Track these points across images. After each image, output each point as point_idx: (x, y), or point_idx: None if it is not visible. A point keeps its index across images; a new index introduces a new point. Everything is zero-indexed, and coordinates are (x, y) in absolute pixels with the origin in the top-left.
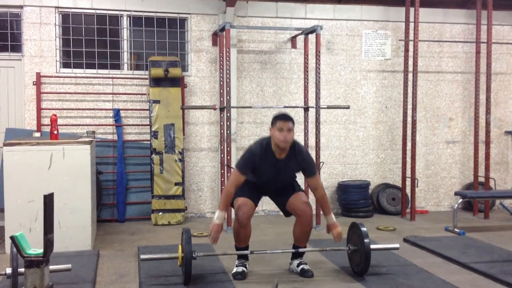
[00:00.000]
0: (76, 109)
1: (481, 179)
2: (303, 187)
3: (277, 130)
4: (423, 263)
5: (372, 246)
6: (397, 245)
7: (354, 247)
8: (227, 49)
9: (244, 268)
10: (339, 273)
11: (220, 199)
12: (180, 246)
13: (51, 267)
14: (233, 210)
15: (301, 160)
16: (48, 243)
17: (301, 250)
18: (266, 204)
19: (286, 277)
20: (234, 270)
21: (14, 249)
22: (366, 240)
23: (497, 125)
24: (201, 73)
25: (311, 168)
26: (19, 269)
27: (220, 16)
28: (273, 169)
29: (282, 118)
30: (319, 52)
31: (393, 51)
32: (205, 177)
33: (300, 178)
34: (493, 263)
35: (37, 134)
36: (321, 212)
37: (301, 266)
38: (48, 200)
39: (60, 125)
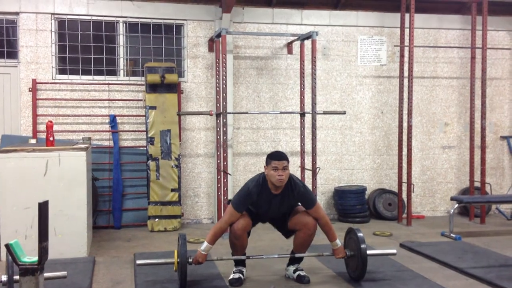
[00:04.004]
0: (72, 116)
1: (477, 184)
2: None
3: (272, 169)
4: (420, 268)
5: (368, 252)
6: (394, 251)
7: (351, 253)
8: (224, 55)
9: (241, 275)
10: (335, 279)
11: (210, 231)
12: (176, 252)
13: (47, 274)
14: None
15: (297, 194)
16: (43, 251)
17: (297, 255)
18: None
19: (282, 283)
20: (231, 276)
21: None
22: (362, 246)
23: (492, 130)
24: (198, 79)
25: (309, 201)
26: (14, 277)
27: (216, 22)
28: (270, 204)
29: (277, 158)
30: (315, 58)
31: (389, 57)
32: (201, 183)
33: None
34: (490, 268)
35: (33, 141)
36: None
37: (297, 272)
38: (43, 208)
39: (56, 132)
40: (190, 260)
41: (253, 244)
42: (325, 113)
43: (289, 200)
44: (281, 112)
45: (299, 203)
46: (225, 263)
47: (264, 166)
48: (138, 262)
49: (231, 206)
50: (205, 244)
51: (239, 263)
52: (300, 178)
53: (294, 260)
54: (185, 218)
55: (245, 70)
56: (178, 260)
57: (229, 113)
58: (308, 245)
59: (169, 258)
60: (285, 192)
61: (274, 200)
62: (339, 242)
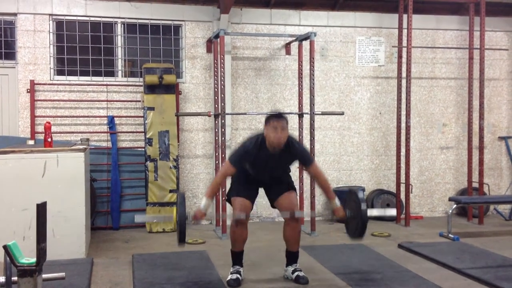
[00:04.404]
0: (70, 117)
1: (475, 185)
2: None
3: (271, 129)
4: (418, 269)
5: (369, 213)
6: (393, 212)
7: (351, 213)
8: (222, 56)
9: (238, 276)
10: (334, 279)
11: (208, 186)
12: (174, 209)
13: (45, 275)
14: (227, 218)
15: (294, 153)
16: (41, 252)
17: (297, 214)
18: (261, 210)
19: (281, 284)
20: (229, 277)
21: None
22: (363, 207)
23: (490, 130)
24: (196, 80)
25: (306, 159)
26: (12, 278)
27: (215, 23)
28: (267, 163)
29: (276, 118)
30: (313, 58)
31: (387, 58)
32: (199, 184)
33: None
34: (488, 268)
35: (31, 142)
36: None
37: (296, 273)
38: (41, 209)
39: (54, 133)
40: (189, 216)
41: (251, 245)
42: (323, 113)
43: (286, 158)
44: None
45: (298, 162)
46: (224, 265)
47: (264, 127)
48: (137, 219)
49: (228, 160)
50: (204, 199)
51: (237, 261)
52: (299, 176)
53: (291, 259)
54: None
55: (243, 71)
56: (177, 218)
57: (228, 114)
58: (297, 236)
59: (168, 259)
60: (283, 151)
61: (271, 159)
62: (338, 202)
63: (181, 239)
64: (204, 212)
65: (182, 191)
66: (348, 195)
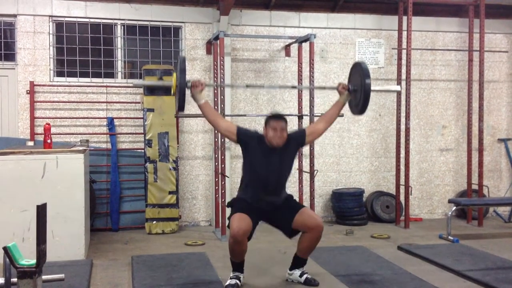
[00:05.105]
0: (69, 118)
1: (475, 187)
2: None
3: (271, 129)
4: (417, 271)
5: (372, 87)
6: (398, 88)
7: (354, 87)
8: (221, 58)
9: (237, 281)
10: (333, 281)
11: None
12: (174, 75)
13: (44, 277)
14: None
15: (294, 142)
16: (41, 253)
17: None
18: None
19: (287, 287)
20: (227, 282)
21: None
22: (367, 81)
23: (490, 132)
24: None
25: (299, 134)
26: (12, 280)
27: (214, 25)
28: (270, 160)
29: (275, 118)
30: (313, 60)
31: (386, 59)
32: (199, 185)
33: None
34: (487, 270)
35: (31, 143)
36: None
37: (305, 276)
38: (41, 211)
39: (53, 134)
40: (189, 84)
41: (251, 247)
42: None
43: (288, 152)
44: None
45: (301, 142)
46: (223, 267)
47: (263, 128)
48: (134, 83)
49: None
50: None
51: (237, 268)
52: (298, 177)
53: (298, 264)
54: (182, 221)
55: (243, 72)
56: (177, 83)
57: (227, 115)
58: (315, 246)
59: (168, 260)
60: (283, 148)
61: (274, 156)
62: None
63: (180, 107)
64: (203, 82)
65: (183, 56)
66: (352, 68)
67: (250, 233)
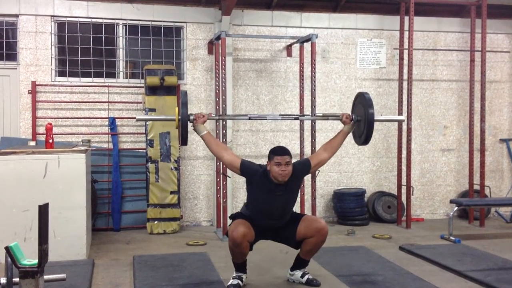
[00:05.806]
0: (71, 118)
1: (476, 187)
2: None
3: (275, 165)
4: (419, 271)
5: (376, 117)
6: (403, 118)
7: (358, 118)
8: (223, 58)
9: (240, 281)
10: (335, 281)
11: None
12: (176, 109)
13: (46, 276)
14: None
15: (299, 173)
16: (43, 253)
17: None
18: None
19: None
20: (230, 282)
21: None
22: (370, 110)
23: (492, 133)
24: (197, 81)
25: (304, 165)
26: (14, 279)
27: (216, 25)
28: (275, 195)
29: (279, 153)
30: (315, 60)
31: (388, 60)
32: (200, 185)
33: None
34: (489, 271)
35: (32, 143)
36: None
37: (306, 276)
38: (43, 211)
39: (55, 134)
40: (192, 117)
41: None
42: (324, 115)
43: (293, 186)
44: (280, 115)
45: (306, 172)
46: (225, 267)
47: (267, 162)
48: (138, 117)
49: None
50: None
51: (239, 268)
52: None
53: (300, 265)
54: (184, 221)
55: (245, 72)
56: (179, 117)
57: (228, 117)
58: (319, 248)
59: (169, 260)
60: (288, 182)
61: (279, 191)
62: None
63: (183, 140)
64: (205, 114)
65: (184, 90)
66: (355, 99)
67: (251, 243)
